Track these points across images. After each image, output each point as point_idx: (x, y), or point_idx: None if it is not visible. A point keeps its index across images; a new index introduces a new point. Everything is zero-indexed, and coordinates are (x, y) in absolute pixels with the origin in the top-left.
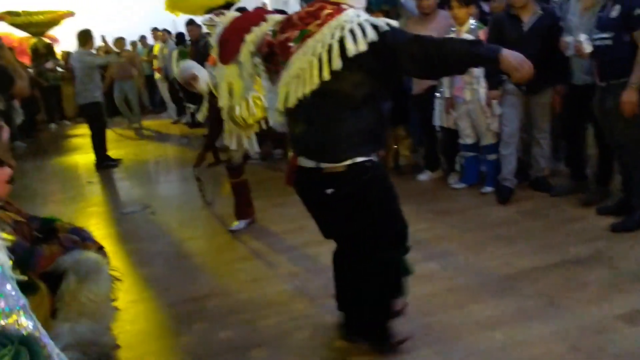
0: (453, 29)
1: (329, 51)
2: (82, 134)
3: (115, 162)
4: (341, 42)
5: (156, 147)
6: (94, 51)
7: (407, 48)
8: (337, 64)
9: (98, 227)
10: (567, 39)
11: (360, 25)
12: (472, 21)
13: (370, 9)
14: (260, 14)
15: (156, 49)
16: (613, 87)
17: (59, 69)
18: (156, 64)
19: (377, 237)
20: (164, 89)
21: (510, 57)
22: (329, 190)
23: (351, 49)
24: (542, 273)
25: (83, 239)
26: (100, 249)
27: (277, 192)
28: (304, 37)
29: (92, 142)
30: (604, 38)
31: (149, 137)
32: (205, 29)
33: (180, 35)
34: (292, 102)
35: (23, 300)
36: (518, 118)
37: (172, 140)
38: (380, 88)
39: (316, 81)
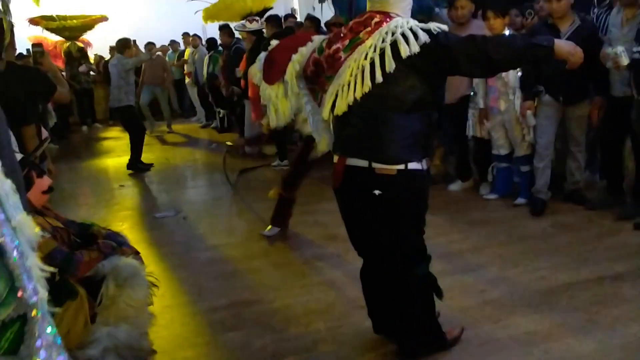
0: None
1: (382, 54)
2: (113, 136)
3: (147, 167)
4: (393, 46)
5: (185, 151)
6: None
7: (462, 47)
8: (391, 65)
9: (131, 231)
10: (608, 50)
11: (412, 29)
12: (507, 32)
13: None
14: (307, 36)
15: (187, 54)
16: None
17: (92, 72)
18: (187, 68)
19: (408, 248)
20: (193, 94)
21: (563, 43)
22: (377, 192)
23: (405, 50)
24: (579, 288)
25: (120, 244)
26: (136, 254)
27: (310, 199)
28: (354, 45)
29: (131, 144)
30: None
31: (178, 141)
32: (237, 34)
33: (211, 41)
34: (342, 108)
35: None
36: (553, 130)
37: (201, 145)
38: (430, 94)
39: (368, 84)
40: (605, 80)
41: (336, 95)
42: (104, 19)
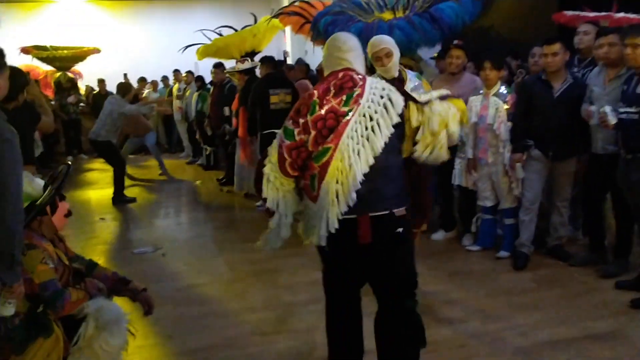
0: (481, 91)
1: (385, 107)
2: (98, 168)
3: (130, 199)
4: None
5: (170, 187)
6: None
7: None
8: (396, 118)
9: (107, 266)
10: (591, 108)
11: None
12: (501, 86)
13: None
14: None
15: (174, 89)
16: (639, 160)
17: (81, 104)
18: (177, 104)
19: (414, 278)
20: (183, 130)
21: None
22: (400, 229)
23: (398, 106)
24: (559, 347)
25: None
26: None
27: (287, 242)
28: (354, 97)
29: (114, 178)
30: (630, 112)
31: (163, 177)
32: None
33: (200, 78)
34: (365, 166)
35: None
36: (541, 184)
37: (186, 181)
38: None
39: (387, 132)
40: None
41: (358, 152)
42: (96, 51)
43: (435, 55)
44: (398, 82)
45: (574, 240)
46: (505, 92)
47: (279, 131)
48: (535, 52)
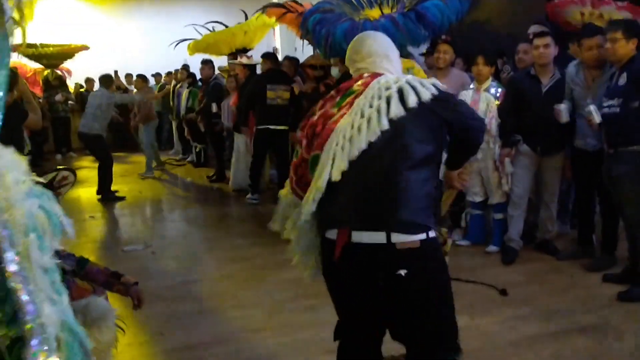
0: (471, 86)
1: (388, 101)
2: (87, 166)
3: (118, 198)
4: (399, 93)
5: (159, 185)
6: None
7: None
8: (399, 110)
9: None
10: (560, 106)
11: (409, 83)
12: (492, 82)
13: None
14: None
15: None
16: (621, 155)
17: (70, 102)
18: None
19: (446, 331)
20: (173, 127)
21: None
22: (403, 272)
23: (412, 99)
24: (548, 340)
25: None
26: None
27: (277, 238)
28: (348, 97)
29: (99, 173)
30: (612, 105)
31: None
32: (217, 70)
33: (191, 75)
34: (341, 168)
35: None
36: (529, 179)
37: (176, 179)
38: (439, 150)
39: (377, 131)
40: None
41: (333, 158)
42: (84, 48)
43: (424, 52)
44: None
45: (562, 235)
46: (496, 87)
47: (274, 127)
48: (520, 48)
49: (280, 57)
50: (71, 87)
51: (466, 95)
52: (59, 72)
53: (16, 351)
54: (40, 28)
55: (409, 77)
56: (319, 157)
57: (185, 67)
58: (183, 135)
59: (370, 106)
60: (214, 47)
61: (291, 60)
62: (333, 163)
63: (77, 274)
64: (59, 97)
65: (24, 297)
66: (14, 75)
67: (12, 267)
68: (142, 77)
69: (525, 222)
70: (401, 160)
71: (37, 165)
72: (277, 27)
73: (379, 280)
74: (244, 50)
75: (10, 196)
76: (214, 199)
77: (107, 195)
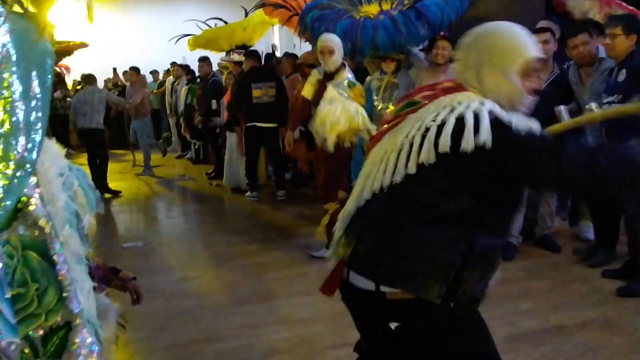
0: None
1: (423, 136)
2: (84, 163)
3: (115, 193)
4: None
5: (158, 182)
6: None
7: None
8: (429, 155)
9: (97, 261)
10: (560, 107)
11: (477, 115)
12: None
13: (379, 56)
14: None
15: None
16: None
17: (68, 99)
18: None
19: None
20: (172, 124)
21: None
22: (393, 325)
23: (443, 144)
24: (547, 336)
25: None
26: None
27: (276, 234)
28: (407, 109)
29: (95, 170)
30: (612, 102)
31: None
32: (215, 67)
33: (190, 72)
34: (366, 193)
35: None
36: None
37: (175, 176)
38: (477, 208)
39: (401, 171)
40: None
41: (368, 174)
42: (83, 45)
43: (423, 47)
44: (327, 76)
45: (561, 231)
46: None
47: (261, 124)
48: None
49: (279, 54)
50: (69, 84)
51: None
52: (57, 69)
53: (55, 340)
54: None
55: (486, 106)
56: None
57: (174, 63)
58: (181, 131)
59: (406, 136)
60: (213, 43)
61: (290, 57)
62: (362, 188)
63: None
64: (57, 94)
65: (70, 284)
66: None
67: (60, 258)
68: (135, 70)
69: (524, 217)
70: (411, 210)
71: None
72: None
73: (376, 329)
74: (243, 47)
75: (52, 189)
76: (212, 195)
77: (104, 190)
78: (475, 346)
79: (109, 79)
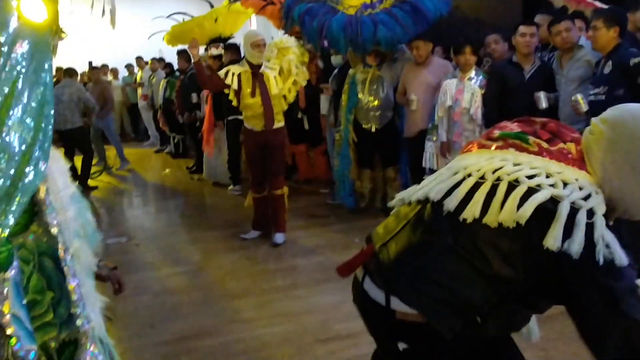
0: (455, 76)
1: (509, 189)
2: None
3: (90, 188)
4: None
5: (137, 176)
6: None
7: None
8: (509, 218)
9: None
10: (539, 93)
11: (557, 200)
12: (475, 71)
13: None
14: None
15: (139, 77)
16: None
17: None
18: (142, 91)
19: None
20: (148, 118)
21: None
22: (402, 346)
23: (524, 215)
24: (543, 324)
25: None
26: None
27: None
28: (512, 141)
29: (83, 165)
30: (598, 93)
31: (131, 166)
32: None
33: (169, 66)
34: (416, 196)
35: None
36: None
37: (154, 170)
38: (521, 288)
39: (473, 214)
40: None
41: (436, 177)
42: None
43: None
44: (256, 67)
45: None
46: (480, 76)
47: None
48: (490, 39)
49: None
50: None
51: (450, 84)
52: None
53: (67, 355)
54: None
55: (576, 195)
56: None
57: (155, 59)
58: (160, 126)
59: (495, 174)
60: (184, 37)
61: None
62: (432, 184)
63: None
64: None
65: (79, 300)
66: None
67: (70, 270)
68: (95, 69)
69: None
70: (462, 249)
71: None
72: (254, 16)
73: (383, 340)
74: (220, 40)
75: (62, 198)
76: (195, 190)
77: (85, 187)
78: None
79: (84, 72)
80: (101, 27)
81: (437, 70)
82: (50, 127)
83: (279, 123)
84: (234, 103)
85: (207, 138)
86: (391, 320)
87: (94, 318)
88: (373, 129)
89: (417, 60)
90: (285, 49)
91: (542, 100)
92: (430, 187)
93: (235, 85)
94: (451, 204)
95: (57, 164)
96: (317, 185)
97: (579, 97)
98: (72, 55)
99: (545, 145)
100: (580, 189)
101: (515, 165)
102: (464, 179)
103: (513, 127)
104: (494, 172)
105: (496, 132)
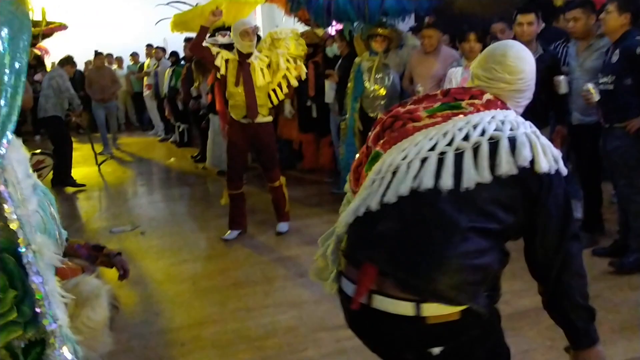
0: (460, 65)
1: (476, 149)
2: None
3: (79, 186)
4: (492, 145)
5: (142, 165)
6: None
7: (555, 218)
8: (509, 169)
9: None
10: (560, 77)
11: (528, 137)
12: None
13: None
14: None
15: (146, 65)
16: (614, 130)
17: None
18: (147, 80)
19: None
20: (152, 107)
21: (600, 355)
22: (437, 350)
23: (503, 165)
24: (543, 314)
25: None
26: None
27: (266, 217)
28: (448, 110)
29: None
30: (606, 82)
31: (136, 155)
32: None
33: (174, 54)
34: (391, 196)
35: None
36: None
37: (159, 159)
38: (518, 227)
39: (447, 183)
40: (564, 110)
41: (393, 174)
42: (62, 27)
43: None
44: (244, 56)
45: None
46: None
47: None
48: (496, 28)
49: (262, 35)
50: (48, 66)
51: (456, 73)
52: (37, 51)
53: (33, 355)
54: None
55: (529, 128)
56: (379, 157)
57: (160, 48)
58: (164, 115)
59: (466, 139)
60: (186, 26)
61: None
62: (387, 188)
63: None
64: (38, 76)
65: (44, 299)
66: None
67: (33, 268)
68: (100, 54)
69: None
70: (466, 217)
71: None
72: (259, 7)
73: (405, 355)
74: (225, 29)
75: (22, 189)
76: (199, 178)
77: (68, 182)
78: (493, 334)
79: (90, 61)
80: (106, 16)
81: (444, 59)
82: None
83: (265, 118)
84: (207, 85)
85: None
86: (422, 328)
87: (60, 316)
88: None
89: (427, 49)
90: (278, 41)
91: (563, 84)
92: (398, 185)
93: (223, 71)
94: (448, 182)
95: (17, 153)
96: (321, 175)
97: (590, 86)
98: (77, 44)
99: (478, 102)
100: (522, 125)
101: (473, 126)
102: (441, 158)
103: (435, 103)
104: (464, 138)
105: (422, 113)
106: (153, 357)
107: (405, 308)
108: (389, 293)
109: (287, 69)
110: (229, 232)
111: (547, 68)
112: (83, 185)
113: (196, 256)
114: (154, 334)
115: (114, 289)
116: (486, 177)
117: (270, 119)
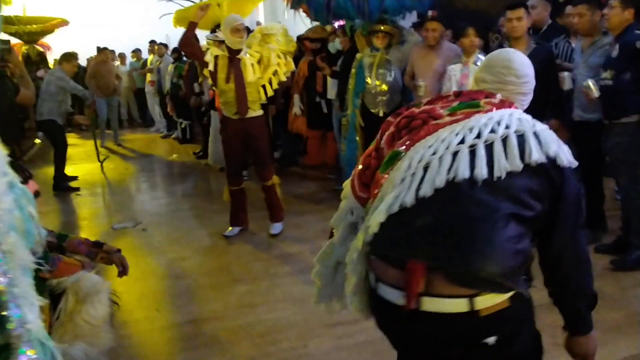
0: (459, 60)
1: (504, 140)
2: (70, 144)
3: (73, 188)
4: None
5: (145, 162)
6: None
7: (572, 208)
8: (539, 157)
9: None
10: (564, 74)
11: (536, 135)
12: (480, 54)
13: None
14: None
15: (149, 62)
16: (614, 126)
17: None
18: (150, 77)
19: None
20: (154, 103)
21: (593, 343)
22: (492, 339)
23: (534, 152)
24: (545, 310)
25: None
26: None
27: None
28: (469, 109)
29: (55, 159)
30: (606, 78)
31: (138, 151)
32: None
33: (177, 51)
34: (426, 190)
35: None
36: None
37: (161, 155)
38: (538, 221)
39: (481, 172)
40: (560, 104)
41: (425, 170)
42: (64, 23)
43: (413, 24)
44: (236, 51)
45: None
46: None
47: None
48: (503, 21)
49: None
50: (50, 63)
51: (455, 69)
52: (39, 47)
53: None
54: (16, 1)
55: (538, 126)
56: (399, 155)
57: (162, 44)
58: (167, 111)
59: (493, 131)
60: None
61: None
62: (421, 182)
63: (61, 250)
64: (41, 72)
65: (10, 301)
66: (8, 45)
67: (0, 268)
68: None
69: None
70: (505, 204)
71: (17, 144)
72: (261, 4)
73: (448, 352)
74: None
75: None
76: (202, 175)
77: (61, 185)
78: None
79: (92, 57)
80: (108, 13)
81: (446, 54)
82: None
83: (255, 112)
84: (209, 81)
85: None
86: (476, 322)
87: (31, 319)
88: (381, 114)
89: (431, 42)
90: (268, 36)
91: (567, 80)
92: (434, 178)
93: (211, 67)
94: (483, 171)
95: None
96: (324, 171)
97: (590, 82)
98: (79, 41)
99: (494, 101)
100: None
101: (498, 122)
102: (472, 150)
103: (451, 103)
104: (491, 132)
105: (442, 111)
106: (154, 353)
107: (458, 305)
108: (440, 292)
109: (278, 64)
110: (230, 228)
111: (540, 62)
112: (78, 188)
113: (196, 252)
114: (155, 330)
115: (115, 285)
116: (517, 165)
117: (261, 112)
